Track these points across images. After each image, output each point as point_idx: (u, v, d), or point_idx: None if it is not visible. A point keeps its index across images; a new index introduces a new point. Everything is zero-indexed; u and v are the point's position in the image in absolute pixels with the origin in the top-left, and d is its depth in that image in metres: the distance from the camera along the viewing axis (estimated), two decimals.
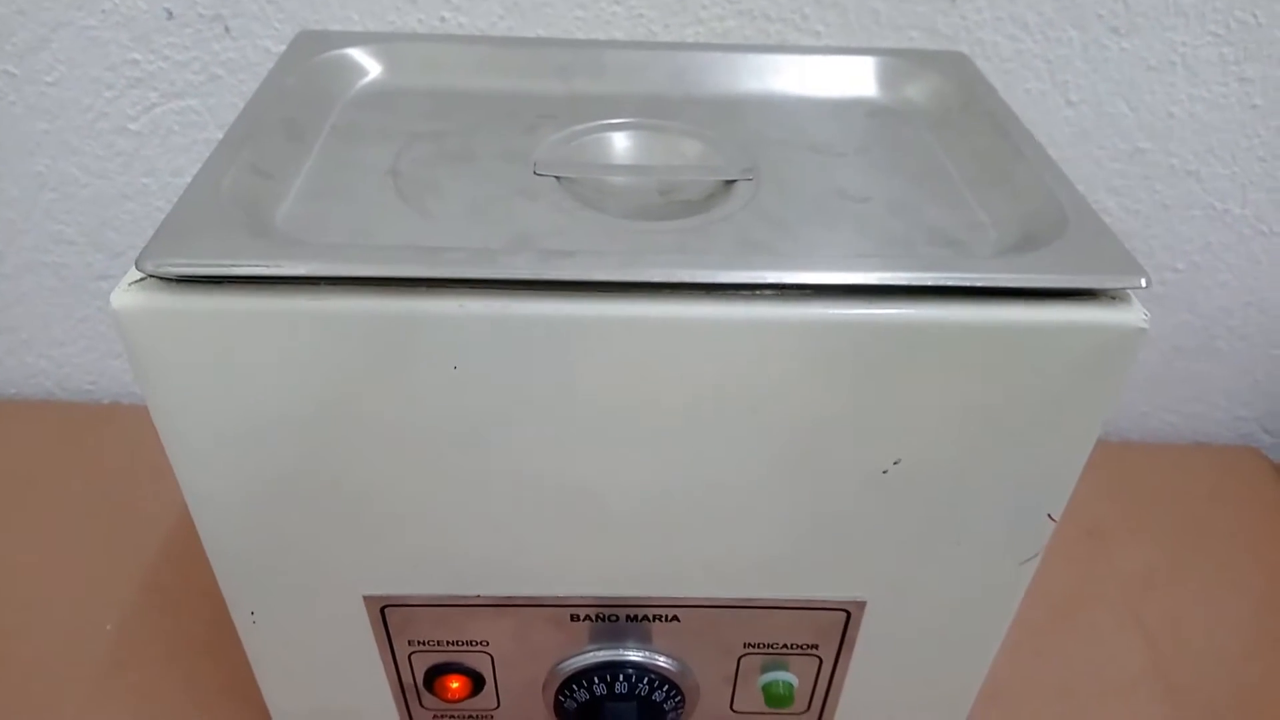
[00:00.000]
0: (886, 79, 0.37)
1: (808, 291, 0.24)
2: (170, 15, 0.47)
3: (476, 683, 0.34)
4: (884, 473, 0.27)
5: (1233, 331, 0.58)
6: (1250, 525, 0.56)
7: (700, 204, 0.30)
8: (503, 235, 0.27)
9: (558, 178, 0.30)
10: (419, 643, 0.32)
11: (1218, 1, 0.46)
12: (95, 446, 0.57)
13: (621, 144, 0.33)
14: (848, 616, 0.32)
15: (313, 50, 0.35)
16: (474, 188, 0.29)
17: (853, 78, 0.37)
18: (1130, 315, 0.24)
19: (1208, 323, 0.58)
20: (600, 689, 0.33)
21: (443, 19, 0.47)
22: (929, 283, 0.24)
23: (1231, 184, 0.52)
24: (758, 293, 0.24)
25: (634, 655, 0.33)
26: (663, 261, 0.24)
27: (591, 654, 0.33)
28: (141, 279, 0.24)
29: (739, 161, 0.31)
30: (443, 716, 0.36)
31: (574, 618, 0.32)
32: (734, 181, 0.30)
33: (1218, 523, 0.56)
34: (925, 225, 0.28)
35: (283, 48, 0.43)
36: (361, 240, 0.26)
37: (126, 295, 0.23)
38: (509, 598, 0.31)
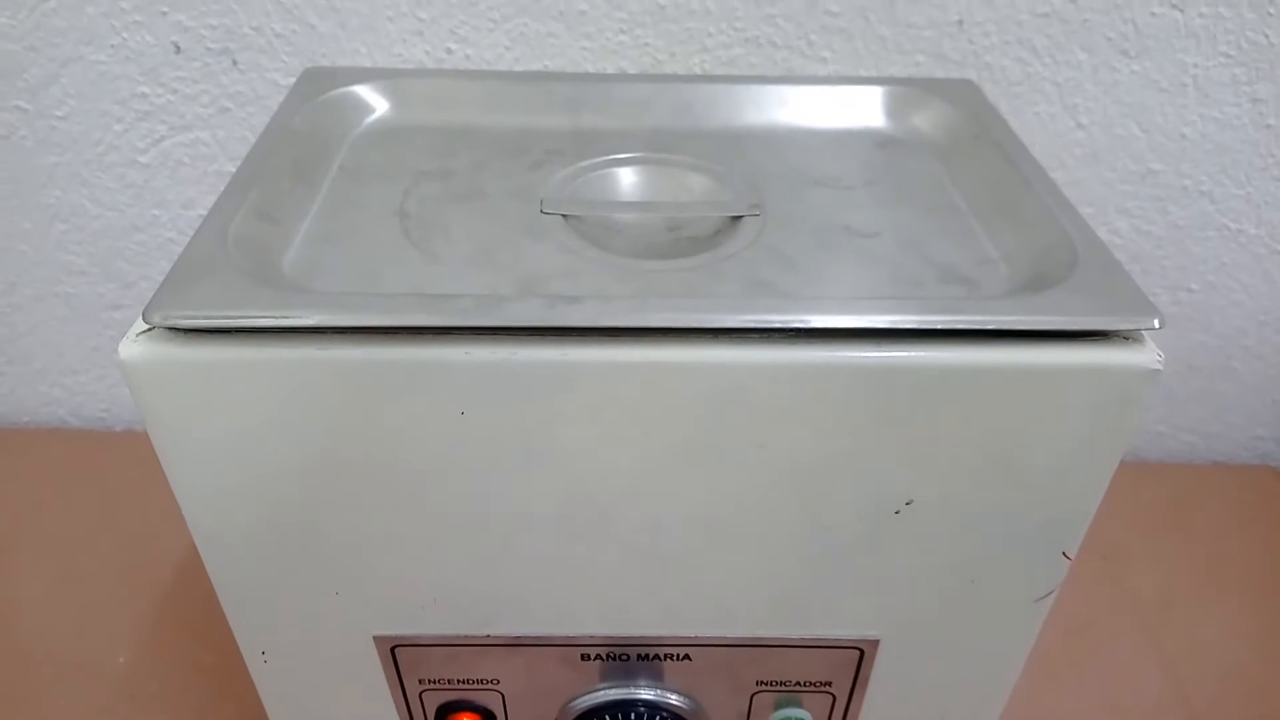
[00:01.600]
0: (894, 109, 0.37)
1: (817, 335, 0.24)
2: (178, 49, 0.48)
3: None
4: (896, 513, 0.27)
5: (1248, 351, 0.58)
6: (1268, 545, 0.56)
7: (707, 241, 0.29)
8: (510, 277, 0.27)
9: (565, 216, 0.30)
10: (430, 681, 0.32)
11: (1229, 23, 0.46)
12: (108, 475, 0.57)
13: (628, 180, 0.33)
14: (861, 654, 0.31)
15: (319, 88, 0.35)
16: (481, 228, 0.29)
17: (860, 108, 0.37)
18: (1143, 356, 0.24)
19: (1223, 343, 0.57)
20: None
21: (449, 51, 0.47)
22: (939, 325, 0.24)
23: (1246, 204, 0.51)
24: (767, 336, 0.24)
25: (645, 694, 0.33)
26: (670, 306, 0.24)
27: (603, 692, 0.33)
28: (149, 329, 0.24)
29: (746, 197, 0.31)
30: None
31: (585, 657, 0.32)
32: (741, 217, 0.30)
33: (1235, 543, 0.56)
34: (934, 262, 0.28)
35: (291, 80, 0.43)
36: (369, 285, 0.26)
37: (134, 346, 0.23)
38: (519, 637, 0.31)
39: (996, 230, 0.30)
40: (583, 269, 0.27)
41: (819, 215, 0.30)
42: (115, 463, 0.58)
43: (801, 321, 0.24)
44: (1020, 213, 0.30)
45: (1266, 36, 0.46)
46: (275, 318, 0.23)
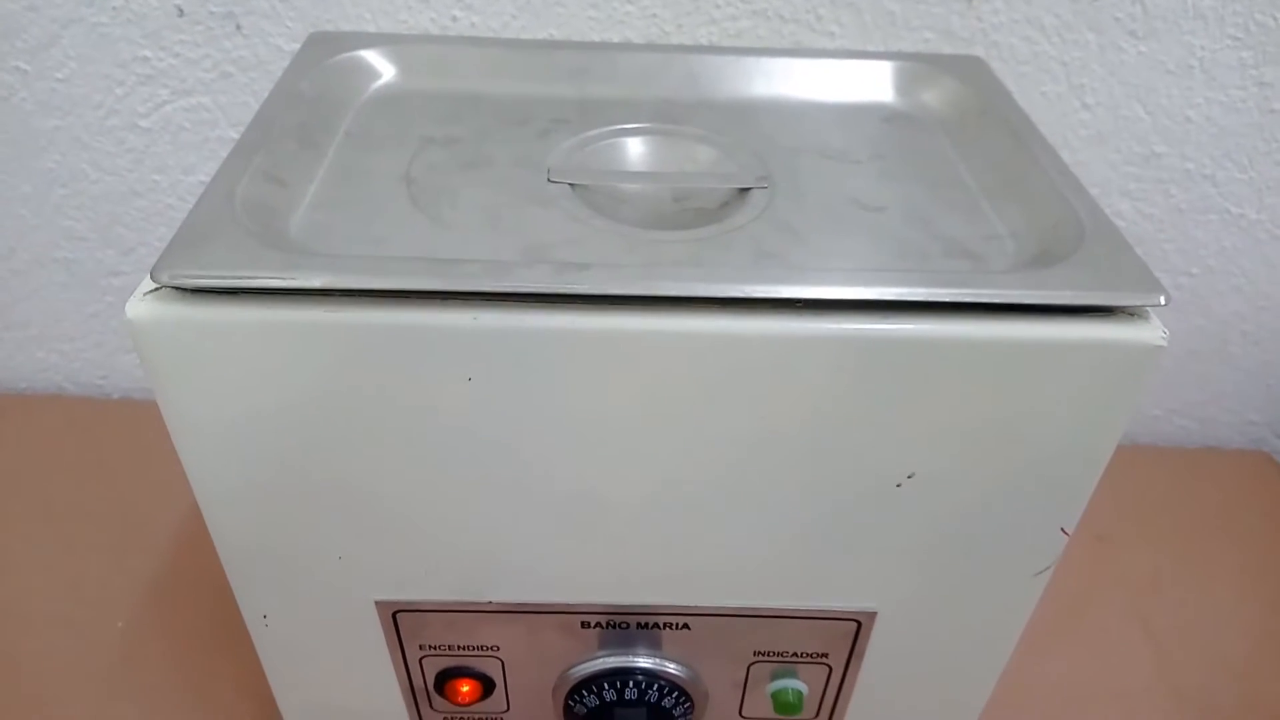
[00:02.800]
0: (902, 84, 0.36)
1: (824, 306, 0.24)
2: (181, 13, 0.47)
3: (487, 686, 0.34)
4: (898, 486, 0.27)
5: (1246, 336, 0.58)
6: (1260, 529, 0.56)
7: (715, 212, 0.29)
8: (516, 244, 0.27)
9: (571, 185, 0.29)
10: (430, 647, 0.33)
11: (1237, 5, 0.46)
12: (105, 441, 0.57)
13: (635, 150, 0.33)
14: (858, 626, 0.32)
15: (325, 52, 0.35)
16: (488, 195, 0.29)
17: (868, 82, 0.36)
18: (1148, 333, 0.24)
19: (1221, 327, 0.57)
20: (610, 694, 0.33)
21: (455, 18, 0.47)
22: (945, 298, 0.24)
23: (1248, 188, 0.51)
24: (772, 307, 0.24)
25: (644, 661, 0.33)
26: (677, 275, 0.24)
27: (602, 660, 0.33)
28: (156, 289, 0.24)
29: (753, 169, 0.31)
30: (453, 719, 0.36)
31: (585, 624, 0.32)
32: (748, 189, 0.30)
33: (1227, 527, 0.56)
34: (941, 236, 0.28)
35: (295, 46, 0.43)
36: (376, 250, 0.26)
37: (142, 305, 0.23)
38: (520, 604, 0.31)
39: (1003, 206, 0.30)
40: (589, 237, 0.27)
41: (826, 188, 0.30)
42: (113, 429, 0.58)
43: (807, 293, 0.24)
44: (1027, 189, 0.30)
45: (1275, 18, 0.46)
46: (283, 279, 0.23)
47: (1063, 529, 0.29)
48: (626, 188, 0.31)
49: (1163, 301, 0.24)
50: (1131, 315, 0.24)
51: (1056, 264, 0.25)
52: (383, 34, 0.41)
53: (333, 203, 0.28)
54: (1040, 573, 0.30)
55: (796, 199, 0.30)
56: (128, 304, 0.23)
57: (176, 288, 0.23)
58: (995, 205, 0.30)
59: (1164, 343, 0.24)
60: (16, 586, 0.49)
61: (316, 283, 0.23)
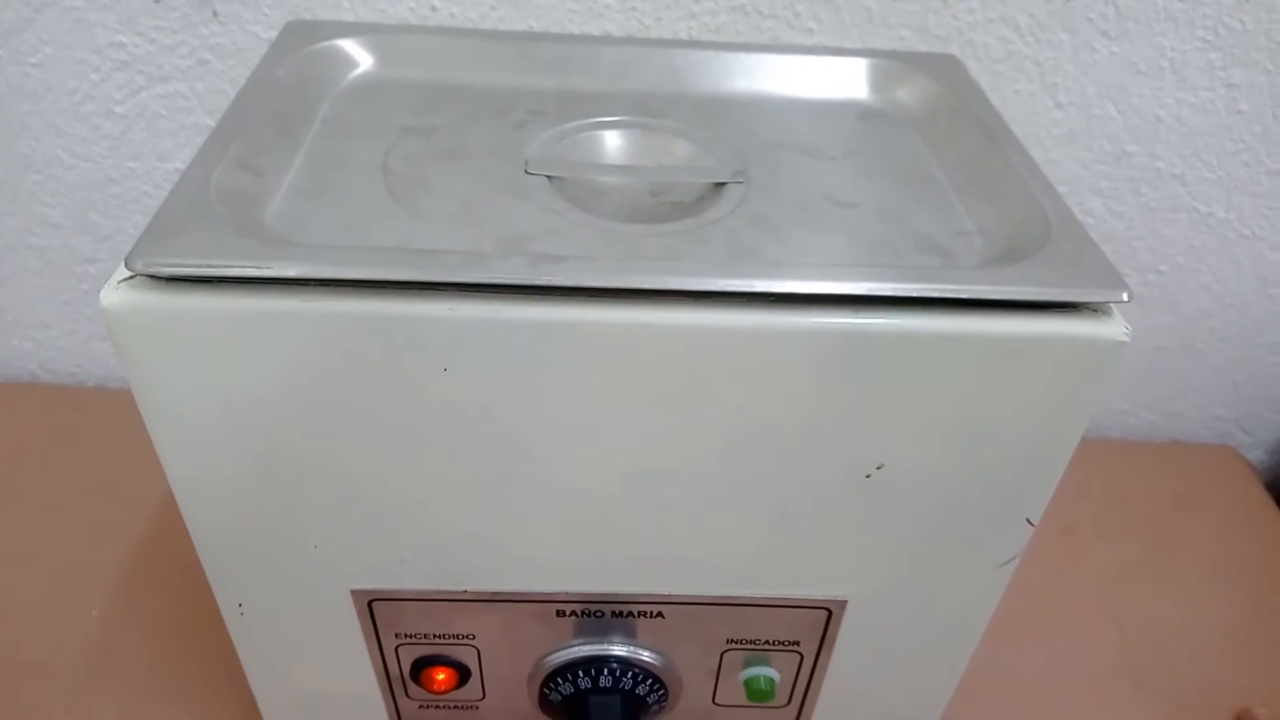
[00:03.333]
0: (877, 81, 0.37)
1: (796, 300, 0.24)
2: None
3: (463, 675, 0.34)
4: (867, 477, 0.28)
5: (1213, 333, 0.59)
6: (1225, 523, 0.57)
7: (691, 206, 0.30)
8: (493, 236, 0.27)
9: (549, 177, 0.30)
10: (406, 635, 0.33)
11: (1207, 7, 0.46)
12: (80, 430, 0.57)
13: (612, 143, 0.33)
14: (829, 615, 0.32)
15: (302, 41, 0.35)
16: (465, 186, 0.29)
17: (844, 79, 0.37)
18: (1111, 329, 0.25)
19: (1189, 324, 0.59)
20: (585, 682, 0.34)
21: (434, 8, 0.47)
22: (914, 294, 0.24)
23: (1216, 188, 0.52)
24: (745, 301, 0.24)
25: (619, 650, 0.33)
26: (652, 269, 0.24)
27: (577, 648, 0.33)
28: (131, 277, 0.24)
29: (729, 163, 0.31)
30: (429, 707, 0.36)
31: (560, 613, 0.32)
32: (724, 184, 0.30)
33: (1193, 520, 0.57)
34: (912, 232, 0.29)
35: (272, 34, 0.43)
36: (352, 240, 0.26)
37: (116, 293, 0.23)
38: (496, 593, 0.31)
39: (973, 203, 0.30)
40: (566, 229, 0.27)
41: (801, 184, 0.31)
42: (87, 418, 0.58)
43: (780, 287, 0.24)
44: (996, 186, 0.30)
45: (1243, 22, 0.47)
46: (259, 268, 0.23)
47: (1028, 520, 0.29)
48: (604, 180, 0.31)
49: (1125, 298, 0.25)
50: (1095, 311, 0.25)
51: (1023, 260, 0.26)
52: (360, 23, 0.41)
53: (309, 192, 0.28)
54: (1006, 563, 0.31)
55: (772, 194, 0.30)
56: (102, 292, 0.23)
57: (151, 276, 0.23)
58: (965, 202, 0.30)
59: (1127, 338, 0.25)
60: None
61: (292, 272, 0.23)
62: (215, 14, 0.47)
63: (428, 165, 0.30)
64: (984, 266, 0.27)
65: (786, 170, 0.32)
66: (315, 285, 0.24)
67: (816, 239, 0.28)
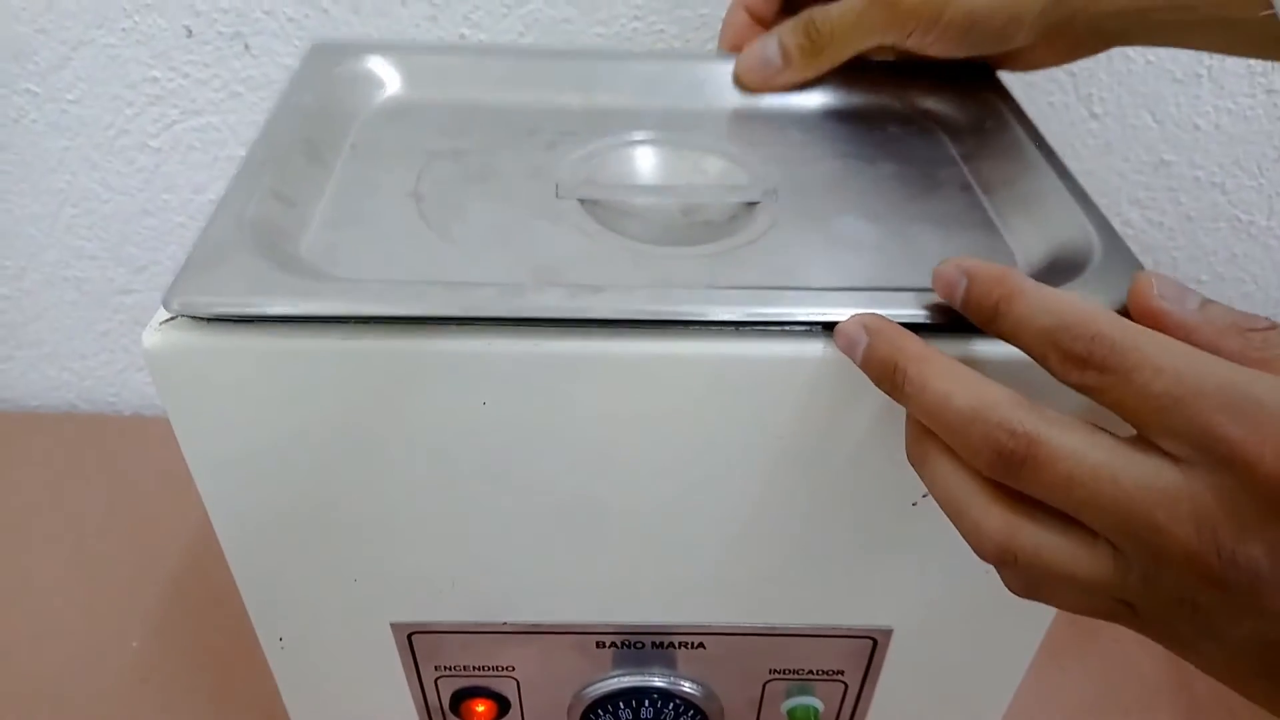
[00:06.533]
0: (911, 92, 0.36)
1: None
2: (190, 33, 0.47)
3: (502, 707, 0.34)
4: (913, 505, 0.27)
5: None
6: None
7: (724, 226, 0.29)
8: (527, 263, 0.27)
9: (580, 200, 0.29)
10: (446, 668, 0.33)
11: None
12: (117, 459, 0.57)
13: (643, 161, 0.33)
14: (874, 644, 0.32)
15: (329, 63, 0.34)
16: (496, 211, 0.29)
17: (877, 88, 0.36)
18: None
19: None
20: (626, 714, 0.33)
21: (463, 35, 0.47)
22: (957, 319, 0.24)
23: (1258, 195, 0.51)
24: (787, 329, 0.24)
25: (659, 681, 0.33)
26: (691, 299, 0.24)
27: (617, 679, 0.33)
28: (172, 318, 0.24)
29: (762, 179, 0.31)
30: None
31: (600, 644, 0.32)
32: (757, 203, 0.30)
33: None
34: (952, 250, 0.28)
35: None
36: (387, 270, 0.26)
37: (159, 335, 0.23)
38: (535, 625, 0.31)
39: (1012, 218, 0.30)
40: (599, 255, 0.27)
41: (834, 199, 0.30)
42: (125, 447, 0.58)
43: (822, 315, 0.24)
44: (1037, 201, 0.30)
45: None
46: (297, 306, 0.23)
47: None
48: (635, 202, 0.31)
49: None
50: None
51: (1064, 281, 0.25)
52: (385, 41, 0.40)
53: (342, 221, 0.28)
54: None
55: (805, 211, 0.30)
56: (144, 334, 0.23)
57: (192, 316, 0.23)
58: (1004, 216, 0.30)
59: None
60: (30, 605, 0.49)
61: (330, 310, 0.23)
62: (247, 47, 0.48)
63: (459, 189, 0.30)
64: None
65: (820, 184, 0.31)
66: (354, 322, 0.24)
67: (852, 257, 0.28)
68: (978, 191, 0.31)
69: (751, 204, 0.30)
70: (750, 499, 0.27)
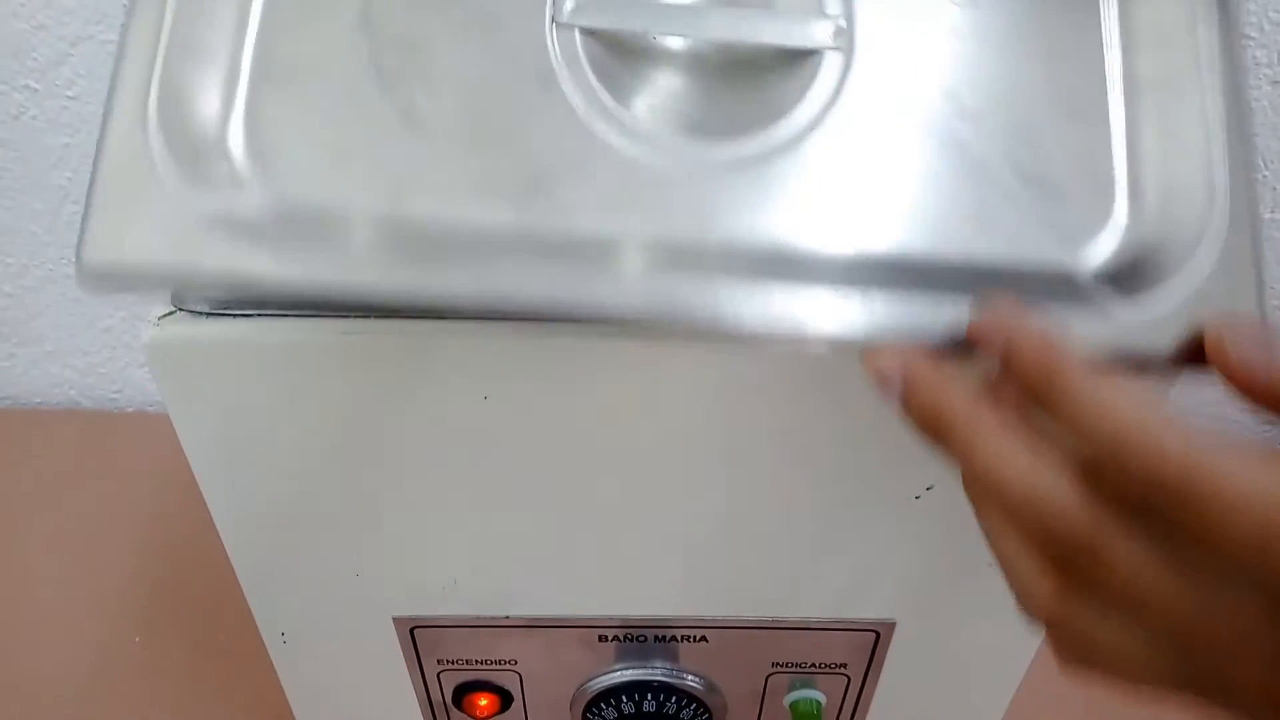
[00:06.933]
0: None
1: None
2: None
3: (505, 700, 0.34)
4: (916, 498, 0.27)
5: None
6: None
7: (768, 96, 0.23)
8: (509, 166, 0.22)
9: (582, 47, 0.23)
10: (448, 662, 0.33)
11: (1251, 4, 0.45)
12: (120, 455, 0.58)
13: None
14: (877, 637, 0.32)
15: None
16: (471, 63, 0.22)
17: None
18: None
19: None
20: (628, 707, 0.33)
21: None
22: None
23: (1263, 188, 0.51)
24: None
25: (662, 674, 0.33)
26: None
27: (620, 673, 0.33)
28: (171, 312, 0.24)
29: (828, 18, 0.23)
30: None
31: (602, 638, 0.32)
32: (818, 52, 0.23)
33: None
34: (1042, 180, 0.22)
35: None
36: (338, 173, 0.21)
37: (157, 330, 0.23)
38: (538, 618, 0.31)
39: (1141, 146, 0.23)
40: (598, 156, 0.22)
41: (920, 66, 0.23)
42: (127, 443, 0.58)
43: (825, 329, 0.22)
44: (1179, 131, 0.23)
45: None
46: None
47: None
48: (657, 46, 0.24)
49: None
50: None
51: (1145, 288, 0.22)
52: None
53: (275, 81, 0.22)
54: None
55: (877, 83, 0.23)
56: (143, 329, 0.23)
57: (193, 311, 0.23)
58: (1133, 141, 0.23)
59: None
60: (32, 600, 0.49)
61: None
62: None
63: (421, 25, 0.22)
64: (1098, 285, 0.22)
65: (903, 37, 0.23)
66: (354, 315, 0.24)
67: (917, 180, 0.22)
68: (1116, 82, 0.23)
69: (809, 55, 0.23)
70: (753, 492, 0.27)
